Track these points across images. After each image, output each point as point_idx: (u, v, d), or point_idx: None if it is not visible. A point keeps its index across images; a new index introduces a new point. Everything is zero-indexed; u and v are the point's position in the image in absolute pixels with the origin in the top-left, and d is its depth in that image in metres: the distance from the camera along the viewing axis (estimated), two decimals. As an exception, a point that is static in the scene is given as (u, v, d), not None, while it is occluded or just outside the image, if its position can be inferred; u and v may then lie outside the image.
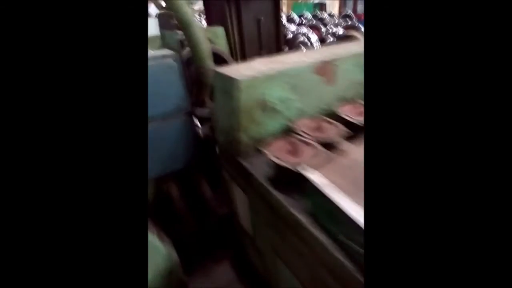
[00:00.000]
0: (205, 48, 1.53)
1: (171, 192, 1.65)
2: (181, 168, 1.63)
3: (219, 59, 2.19)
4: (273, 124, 1.31)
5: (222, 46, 2.65)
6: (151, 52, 1.48)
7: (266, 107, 1.27)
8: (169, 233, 1.61)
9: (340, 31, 4.99)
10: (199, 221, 1.77)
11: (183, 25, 1.45)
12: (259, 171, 1.16)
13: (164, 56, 1.46)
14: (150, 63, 1.43)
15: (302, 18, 8.61)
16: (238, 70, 1.28)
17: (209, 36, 2.89)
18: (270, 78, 1.24)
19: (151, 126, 1.51)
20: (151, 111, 1.49)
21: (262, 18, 3.20)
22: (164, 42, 1.72)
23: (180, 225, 1.72)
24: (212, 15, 3.09)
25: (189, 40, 1.50)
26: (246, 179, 1.25)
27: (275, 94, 1.27)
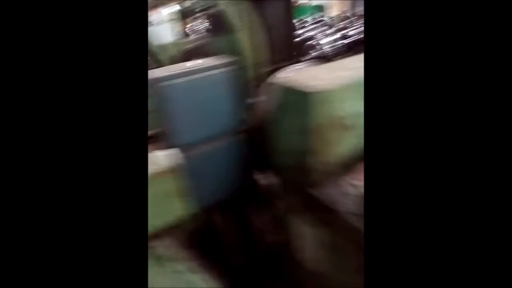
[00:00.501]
0: (250, 57, 1.31)
1: (217, 223, 1.41)
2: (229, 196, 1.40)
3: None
4: (349, 145, 1.09)
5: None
6: (198, 61, 1.25)
7: (340, 124, 1.04)
8: (215, 267, 1.39)
9: (352, 33, 4.79)
10: (247, 253, 1.54)
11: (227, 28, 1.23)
12: (345, 206, 0.94)
13: (214, 67, 1.24)
14: (198, 75, 1.21)
15: (303, 21, 8.43)
16: (302, 81, 1.06)
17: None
18: (345, 89, 1.03)
19: (195, 152, 1.28)
20: (196, 135, 1.27)
21: (274, 23, 3.02)
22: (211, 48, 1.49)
23: (227, 259, 1.49)
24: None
25: (231, 46, 1.28)
26: (322, 214, 1.03)
27: (349, 107, 1.05)
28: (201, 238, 1.44)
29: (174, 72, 1.19)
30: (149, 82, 1.19)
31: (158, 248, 1.13)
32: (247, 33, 1.29)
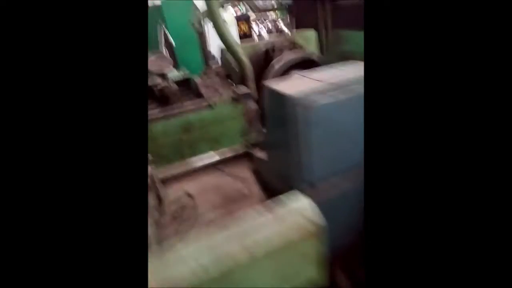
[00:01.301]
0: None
1: (337, 280, 1.15)
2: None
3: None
4: None
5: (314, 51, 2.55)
6: (331, 71, 1.00)
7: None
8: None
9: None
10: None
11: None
12: None
13: (359, 79, 0.98)
14: (343, 91, 0.96)
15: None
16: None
17: (300, 41, 2.67)
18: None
19: (327, 190, 1.04)
20: (332, 167, 1.02)
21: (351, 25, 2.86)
22: (343, 47, 1.25)
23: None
24: (301, 17, 3.06)
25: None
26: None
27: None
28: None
29: (314, 88, 0.95)
30: (280, 99, 0.99)
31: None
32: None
